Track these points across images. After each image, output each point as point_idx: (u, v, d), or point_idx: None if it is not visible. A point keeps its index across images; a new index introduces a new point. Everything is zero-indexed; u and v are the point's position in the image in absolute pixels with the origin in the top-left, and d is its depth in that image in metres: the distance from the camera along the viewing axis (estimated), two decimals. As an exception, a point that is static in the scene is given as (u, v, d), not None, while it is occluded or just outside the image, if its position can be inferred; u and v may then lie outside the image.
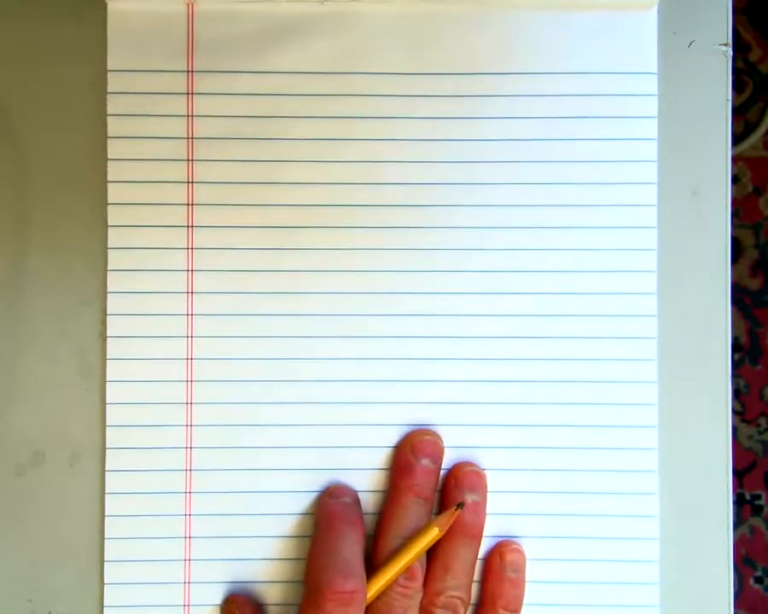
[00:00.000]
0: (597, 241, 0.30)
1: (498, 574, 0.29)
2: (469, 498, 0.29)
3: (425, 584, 0.28)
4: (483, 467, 0.30)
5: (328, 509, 0.29)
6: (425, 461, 0.29)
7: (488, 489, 0.30)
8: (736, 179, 0.91)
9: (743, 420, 0.91)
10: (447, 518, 0.28)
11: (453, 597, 0.28)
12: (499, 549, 0.29)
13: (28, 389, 0.30)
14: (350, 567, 0.26)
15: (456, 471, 0.29)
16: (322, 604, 0.26)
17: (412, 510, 0.28)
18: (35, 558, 0.30)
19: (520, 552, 0.29)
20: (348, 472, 0.30)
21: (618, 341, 0.30)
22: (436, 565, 0.28)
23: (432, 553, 0.28)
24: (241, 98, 0.30)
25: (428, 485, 0.29)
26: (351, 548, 0.27)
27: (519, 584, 0.29)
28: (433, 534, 0.28)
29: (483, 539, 0.29)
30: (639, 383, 0.30)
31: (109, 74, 0.30)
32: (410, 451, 0.29)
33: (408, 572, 0.27)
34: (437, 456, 0.29)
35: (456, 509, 0.28)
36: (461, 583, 0.28)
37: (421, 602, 0.28)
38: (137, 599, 0.30)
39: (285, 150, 0.30)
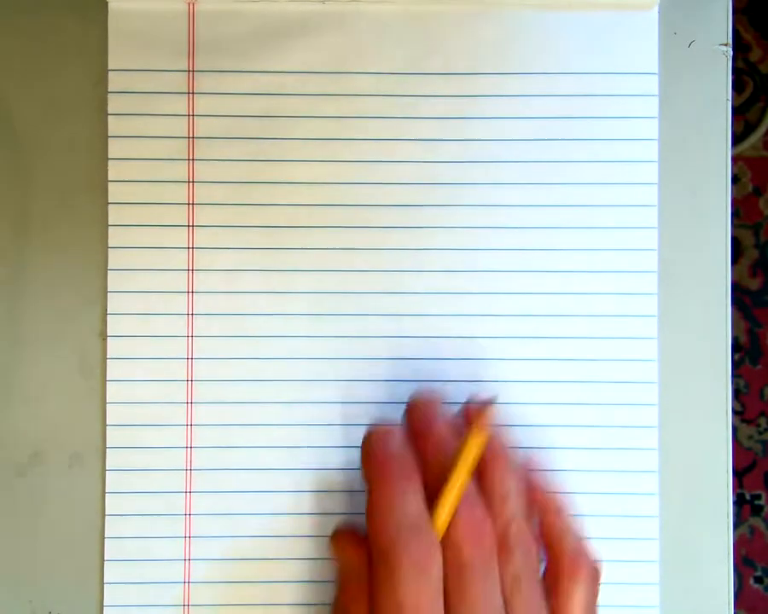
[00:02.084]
0: (597, 241, 0.30)
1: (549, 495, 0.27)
2: (497, 425, 0.27)
3: None
4: None
5: (379, 465, 0.26)
6: (438, 417, 0.27)
7: None
8: (736, 179, 0.91)
9: (743, 420, 0.91)
10: (483, 420, 0.26)
11: (521, 530, 0.26)
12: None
13: (28, 389, 0.30)
14: (418, 522, 0.24)
15: (468, 409, 0.27)
16: (397, 567, 0.24)
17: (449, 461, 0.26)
18: (35, 558, 0.30)
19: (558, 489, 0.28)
20: (348, 472, 0.30)
21: (618, 341, 0.30)
22: (492, 501, 0.26)
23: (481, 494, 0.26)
24: (241, 97, 0.30)
25: (452, 433, 0.27)
26: (413, 503, 0.25)
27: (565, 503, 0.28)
28: (476, 444, 0.26)
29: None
30: (639, 383, 0.30)
31: (110, 73, 0.30)
32: (419, 416, 0.27)
33: (476, 528, 0.25)
34: (442, 405, 0.28)
35: (487, 404, 0.26)
36: (521, 506, 0.26)
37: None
38: (137, 599, 0.30)
39: (285, 150, 0.30)
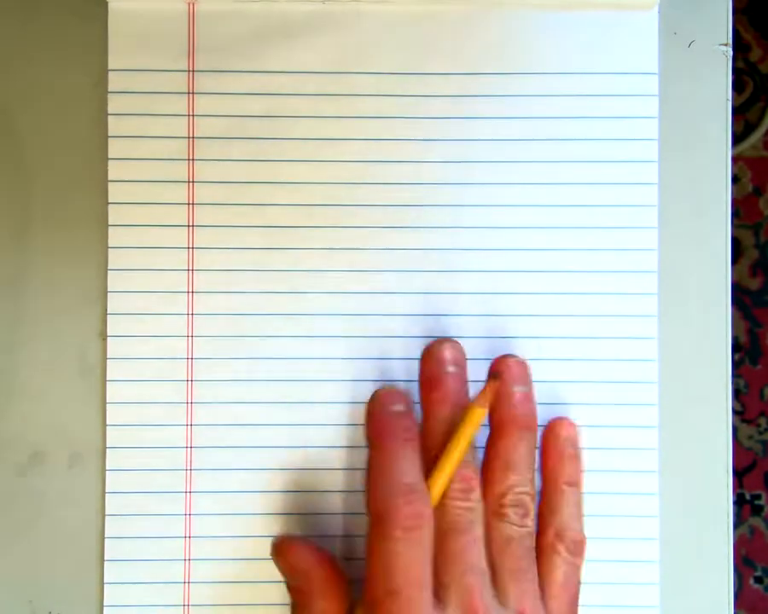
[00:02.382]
0: (598, 241, 0.30)
1: (557, 452, 0.28)
2: (516, 389, 0.27)
3: (486, 491, 0.26)
4: None
5: (380, 426, 0.27)
6: (451, 368, 0.27)
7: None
8: (736, 179, 0.91)
9: (743, 420, 0.91)
10: (485, 394, 0.26)
11: (520, 493, 0.26)
12: (553, 428, 0.28)
13: (28, 389, 0.30)
14: (412, 488, 0.25)
15: (496, 365, 0.28)
16: (389, 532, 0.24)
17: (451, 421, 0.26)
18: (35, 558, 0.30)
19: (573, 425, 0.28)
20: (349, 472, 0.30)
21: (618, 341, 0.30)
22: (495, 467, 0.27)
23: (487, 457, 0.27)
24: (241, 97, 0.30)
25: (461, 391, 0.27)
26: (410, 467, 0.25)
27: (577, 458, 0.28)
28: (477, 415, 0.26)
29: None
30: (639, 383, 0.30)
31: (110, 73, 0.30)
32: (433, 362, 0.27)
33: (464, 484, 0.26)
34: (460, 361, 0.28)
35: (492, 381, 0.26)
36: (525, 479, 0.26)
37: (489, 508, 0.26)
38: (137, 599, 0.30)
39: (285, 150, 0.30)
